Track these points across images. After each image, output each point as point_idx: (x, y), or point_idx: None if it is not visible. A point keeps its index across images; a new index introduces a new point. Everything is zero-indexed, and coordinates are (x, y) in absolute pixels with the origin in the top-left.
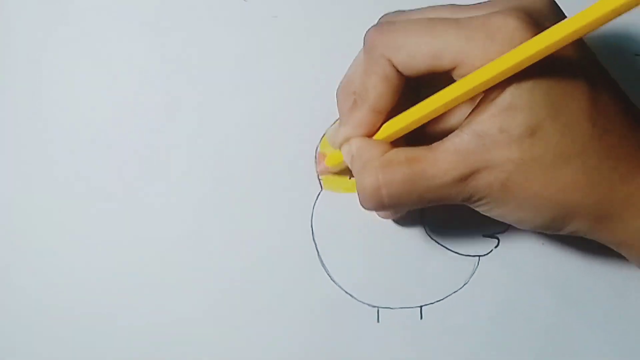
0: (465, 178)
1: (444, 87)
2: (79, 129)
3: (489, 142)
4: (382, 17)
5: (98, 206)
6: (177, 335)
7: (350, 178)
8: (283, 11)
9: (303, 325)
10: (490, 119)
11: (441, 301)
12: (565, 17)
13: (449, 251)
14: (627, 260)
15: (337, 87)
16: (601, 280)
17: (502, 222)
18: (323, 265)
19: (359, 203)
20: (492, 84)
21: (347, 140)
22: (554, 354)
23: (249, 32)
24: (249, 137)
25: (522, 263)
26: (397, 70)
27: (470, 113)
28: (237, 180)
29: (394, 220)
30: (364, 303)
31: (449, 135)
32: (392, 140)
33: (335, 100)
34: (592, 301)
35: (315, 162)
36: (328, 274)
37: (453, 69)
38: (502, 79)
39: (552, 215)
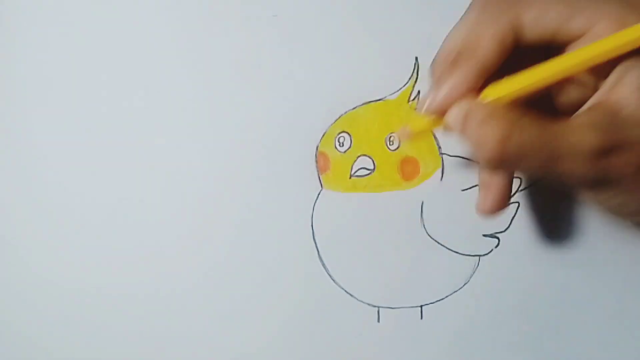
0: (603, 152)
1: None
2: (79, 129)
3: (630, 119)
4: None
5: (97, 206)
6: (177, 335)
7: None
8: (283, 10)
9: (303, 325)
10: (631, 93)
11: (441, 301)
12: None
13: (449, 251)
14: (627, 260)
15: (337, 86)
16: (601, 280)
17: (502, 222)
18: (323, 265)
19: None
20: (629, 48)
21: (443, 100)
22: (554, 354)
23: (249, 32)
24: (249, 136)
25: (522, 263)
26: (513, 35)
27: (602, 88)
28: (237, 180)
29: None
30: (364, 303)
31: (580, 110)
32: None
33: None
34: (592, 301)
35: (316, 162)
36: (328, 274)
37: (576, 38)
38: None
39: None
